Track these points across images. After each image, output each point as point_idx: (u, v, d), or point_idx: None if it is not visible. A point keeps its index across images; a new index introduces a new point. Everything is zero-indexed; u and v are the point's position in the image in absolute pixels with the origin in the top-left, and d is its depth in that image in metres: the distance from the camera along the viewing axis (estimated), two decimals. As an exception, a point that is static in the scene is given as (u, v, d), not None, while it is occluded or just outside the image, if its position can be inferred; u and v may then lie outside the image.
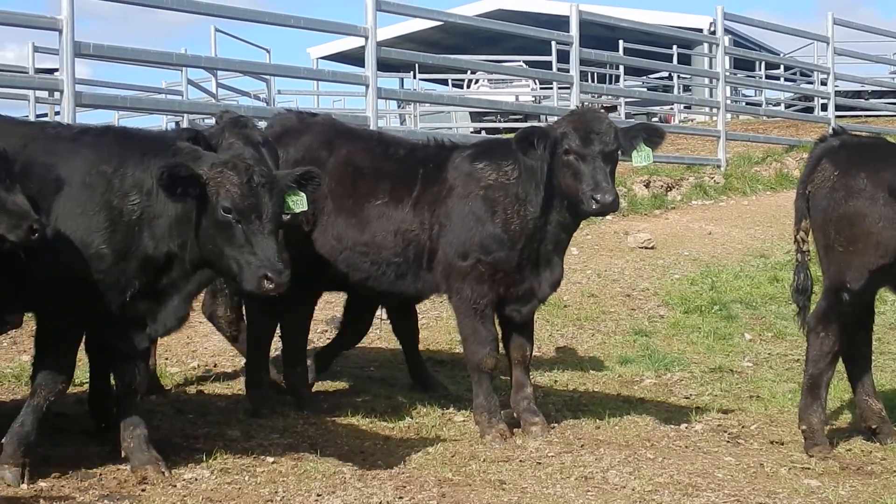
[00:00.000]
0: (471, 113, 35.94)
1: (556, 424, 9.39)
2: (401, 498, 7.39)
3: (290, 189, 7.53)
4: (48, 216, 7.26)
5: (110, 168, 7.38)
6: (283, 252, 7.35)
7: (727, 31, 28.85)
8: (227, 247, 7.11)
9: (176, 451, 8.13)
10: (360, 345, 10.89)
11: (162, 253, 7.36)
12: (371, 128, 15.59)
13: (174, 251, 7.36)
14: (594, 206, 8.63)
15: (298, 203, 7.59)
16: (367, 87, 16.28)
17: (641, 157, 9.11)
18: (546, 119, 29.96)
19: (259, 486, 7.53)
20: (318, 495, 7.38)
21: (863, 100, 34.31)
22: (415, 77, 37.12)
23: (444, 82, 42.04)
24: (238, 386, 10.05)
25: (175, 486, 7.42)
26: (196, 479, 7.59)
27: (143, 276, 7.41)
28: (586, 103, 19.36)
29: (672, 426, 9.58)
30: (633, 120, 27.86)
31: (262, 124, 10.45)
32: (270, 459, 8.06)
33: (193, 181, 7.10)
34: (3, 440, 7.43)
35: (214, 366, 10.94)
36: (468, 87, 39.82)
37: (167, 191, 7.07)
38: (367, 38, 16.24)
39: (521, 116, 33.32)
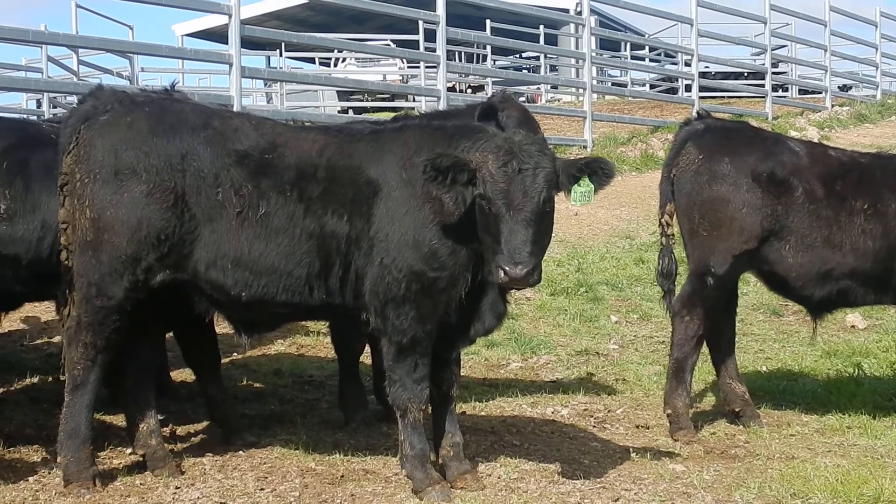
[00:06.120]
0: (338, 92, 35.67)
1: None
2: (262, 489, 7.23)
3: (574, 179, 7.04)
4: (369, 220, 7.08)
5: (422, 159, 7.00)
6: (537, 243, 6.76)
7: (593, 11, 29.02)
8: (482, 233, 6.87)
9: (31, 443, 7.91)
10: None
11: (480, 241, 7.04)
12: (235, 107, 15.33)
13: None
14: None
15: (586, 195, 7.05)
16: (231, 65, 15.98)
17: None
18: (413, 99, 29.94)
19: (115, 477, 7.36)
20: (177, 488, 7.19)
21: (727, 80, 34.66)
22: (281, 55, 36.75)
23: (312, 60, 41.69)
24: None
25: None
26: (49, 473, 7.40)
27: (471, 269, 7.13)
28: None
29: (538, 411, 9.55)
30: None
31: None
32: (128, 450, 7.84)
33: (462, 168, 6.83)
34: (405, 472, 7.28)
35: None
36: (335, 65, 39.52)
37: (434, 182, 6.83)
38: (230, 16, 15.91)
39: (388, 96, 33.22)
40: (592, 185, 7.06)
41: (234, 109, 14.86)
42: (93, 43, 18.56)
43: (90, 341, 7.08)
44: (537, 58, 40.64)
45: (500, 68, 37.46)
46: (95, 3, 26.56)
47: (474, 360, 11.20)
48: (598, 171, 7.08)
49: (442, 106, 18.81)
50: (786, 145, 9.21)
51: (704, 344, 9.22)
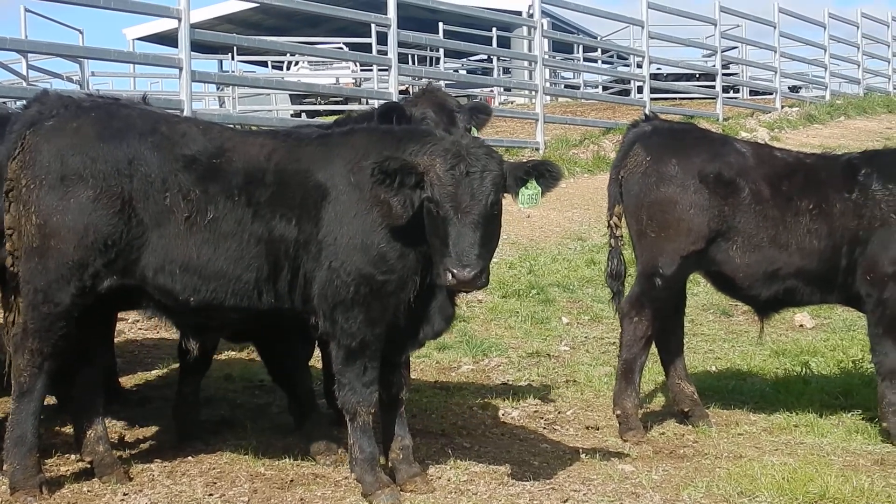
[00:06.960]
0: (291, 95, 35.60)
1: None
2: (211, 495, 7.22)
3: (522, 182, 7.07)
4: (317, 224, 7.07)
5: (370, 162, 6.97)
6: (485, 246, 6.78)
7: (545, 14, 29.10)
8: (430, 236, 6.87)
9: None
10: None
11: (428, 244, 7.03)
12: (186, 111, 15.29)
13: None
14: None
15: (533, 197, 7.09)
16: (181, 69, 15.94)
17: None
18: (367, 102, 29.93)
19: (63, 484, 7.34)
20: (125, 494, 7.17)
21: (679, 82, 34.84)
22: (233, 59, 36.66)
23: (264, 64, 41.60)
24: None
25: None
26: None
27: (420, 272, 7.12)
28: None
29: (489, 413, 9.57)
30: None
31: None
32: (75, 457, 7.78)
33: (409, 172, 6.84)
34: (354, 475, 7.27)
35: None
36: (288, 69, 39.44)
37: (382, 186, 6.84)
38: (179, 20, 15.87)
39: (341, 99, 33.18)
40: (540, 188, 7.11)
41: (185, 114, 14.83)
42: (41, 47, 18.44)
43: (37, 348, 7.05)
44: (490, 60, 40.73)
45: (452, 71, 37.43)
46: (44, 8, 26.34)
47: (426, 363, 11.20)
48: (545, 173, 7.14)
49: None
50: (732, 146, 9.28)
51: (653, 345, 9.28)
